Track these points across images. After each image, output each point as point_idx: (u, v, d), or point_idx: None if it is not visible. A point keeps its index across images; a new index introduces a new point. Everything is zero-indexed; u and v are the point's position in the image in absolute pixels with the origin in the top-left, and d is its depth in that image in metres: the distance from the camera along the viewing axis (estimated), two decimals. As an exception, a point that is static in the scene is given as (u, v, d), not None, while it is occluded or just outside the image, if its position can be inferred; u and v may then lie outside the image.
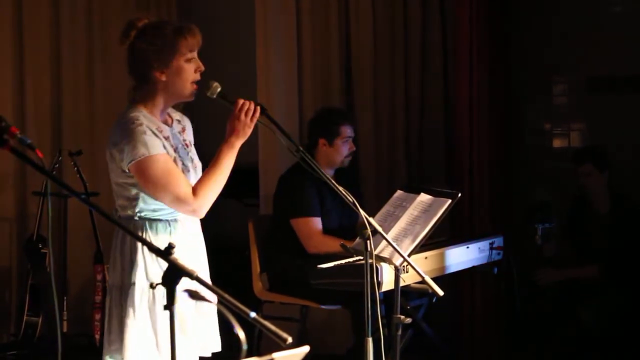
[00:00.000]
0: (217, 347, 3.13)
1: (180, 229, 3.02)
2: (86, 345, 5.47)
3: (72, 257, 5.61)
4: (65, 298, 5.40)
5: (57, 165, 5.38)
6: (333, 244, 4.37)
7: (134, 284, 2.91)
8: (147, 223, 2.96)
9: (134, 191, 2.94)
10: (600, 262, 4.82)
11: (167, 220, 2.98)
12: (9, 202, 5.78)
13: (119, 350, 2.94)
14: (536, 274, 4.93)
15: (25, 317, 5.39)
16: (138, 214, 2.95)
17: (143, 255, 2.92)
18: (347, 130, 4.75)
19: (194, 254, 3.07)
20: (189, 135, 3.17)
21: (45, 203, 5.39)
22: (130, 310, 2.91)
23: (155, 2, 6.08)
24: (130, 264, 2.94)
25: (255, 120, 2.98)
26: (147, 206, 2.95)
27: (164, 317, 2.91)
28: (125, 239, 2.97)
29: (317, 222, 4.62)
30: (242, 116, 2.97)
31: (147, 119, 2.94)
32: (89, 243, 5.57)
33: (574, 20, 5.65)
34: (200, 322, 3.05)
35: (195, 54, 2.99)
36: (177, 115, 3.14)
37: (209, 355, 3.11)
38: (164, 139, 2.95)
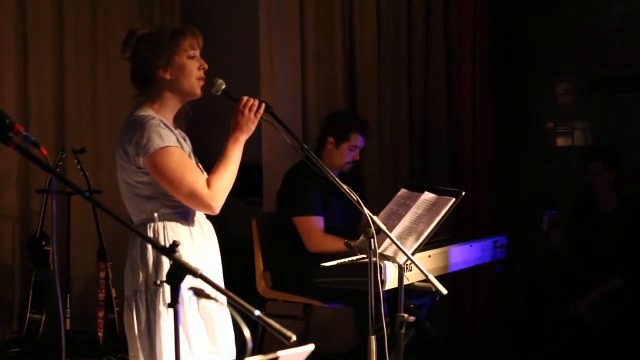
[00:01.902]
0: (233, 354, 3.09)
1: (199, 228, 3.01)
2: (89, 342, 5.48)
3: (75, 255, 5.61)
4: (68, 295, 5.40)
5: (60, 163, 5.38)
6: (334, 243, 4.39)
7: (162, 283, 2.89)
8: (167, 222, 2.93)
9: (150, 190, 2.91)
10: (621, 271, 4.81)
11: (186, 219, 2.97)
12: (12, 200, 5.78)
13: (151, 356, 2.90)
14: (573, 306, 4.91)
15: (28, 315, 5.40)
16: (157, 214, 2.92)
17: None
18: (357, 139, 4.74)
19: (211, 253, 3.08)
20: (190, 147, 3.16)
21: (48, 200, 5.40)
22: (163, 310, 2.86)
23: (159, 1, 6.09)
24: (154, 267, 2.89)
25: (258, 116, 2.99)
26: (164, 204, 2.92)
27: (194, 316, 2.92)
28: (145, 245, 2.90)
29: (318, 221, 4.62)
30: (246, 111, 2.97)
31: (157, 116, 2.94)
32: (92, 241, 5.58)
33: (578, 19, 5.65)
34: (224, 323, 3.04)
35: (197, 53, 3.00)
36: (177, 129, 3.14)
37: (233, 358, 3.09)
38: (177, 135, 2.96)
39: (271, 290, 4.81)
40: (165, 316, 2.87)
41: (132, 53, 3.01)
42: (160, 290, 2.87)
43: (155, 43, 2.97)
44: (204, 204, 2.91)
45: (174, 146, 2.89)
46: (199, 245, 2.99)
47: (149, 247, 2.90)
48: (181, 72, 2.97)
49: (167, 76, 2.97)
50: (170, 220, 2.94)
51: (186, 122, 3.35)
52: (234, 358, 3.07)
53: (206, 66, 3.01)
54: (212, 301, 2.86)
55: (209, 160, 3.08)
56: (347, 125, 4.75)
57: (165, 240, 2.90)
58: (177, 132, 3.02)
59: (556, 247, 5.03)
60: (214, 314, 2.98)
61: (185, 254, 2.77)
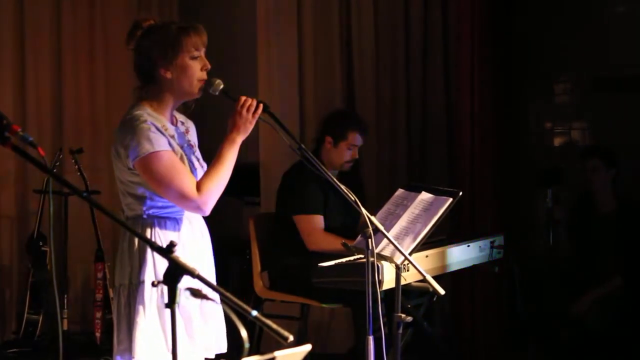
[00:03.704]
0: (223, 349, 3.10)
1: (188, 227, 3.01)
2: (86, 342, 5.48)
3: (73, 255, 5.60)
4: (65, 296, 5.40)
5: (58, 163, 5.38)
6: (334, 242, 4.37)
7: (142, 282, 2.89)
8: (155, 221, 2.94)
9: (140, 190, 2.92)
10: (621, 271, 4.81)
11: (175, 218, 2.98)
12: (9, 200, 5.78)
13: (127, 350, 2.92)
14: (574, 306, 4.91)
15: (25, 315, 5.40)
16: (146, 212, 2.93)
17: (152, 254, 2.90)
18: (355, 138, 4.72)
19: (201, 252, 3.08)
20: (193, 137, 3.16)
21: (45, 201, 5.39)
22: (140, 309, 2.88)
23: (157, 1, 6.08)
24: (139, 263, 2.92)
25: (256, 116, 2.98)
26: (154, 203, 2.93)
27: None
28: (133, 239, 2.94)
29: (319, 220, 4.61)
30: (244, 112, 2.96)
31: (152, 117, 2.93)
32: (90, 241, 5.57)
33: (578, 19, 5.65)
34: (205, 323, 3.04)
35: (201, 53, 2.99)
36: (181, 117, 3.14)
37: (213, 356, 3.09)
38: (169, 137, 2.95)
39: (269, 291, 4.80)
40: (142, 314, 2.89)
41: (136, 46, 3.00)
42: (141, 286, 2.89)
43: (158, 41, 2.95)
44: (193, 207, 2.92)
45: (163, 150, 2.89)
46: (188, 244, 2.99)
47: (136, 241, 2.93)
48: (183, 73, 2.96)
49: (169, 75, 2.96)
50: (160, 219, 2.95)
51: (188, 115, 3.35)
52: (220, 352, 3.08)
53: (209, 66, 3.00)
54: (192, 301, 2.88)
55: (208, 160, 3.09)
56: (345, 124, 4.74)
57: (153, 238, 2.92)
58: (173, 127, 3.02)
59: (556, 244, 5.03)
60: (194, 314, 2.98)
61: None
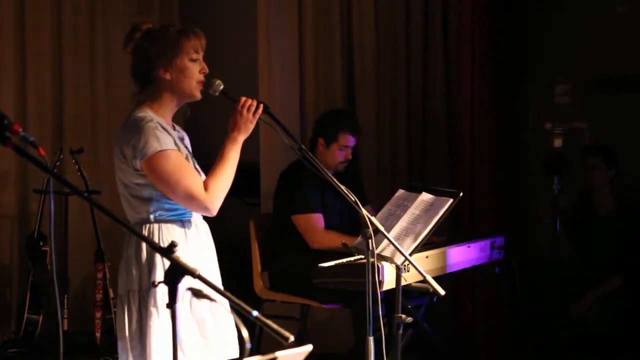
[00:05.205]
0: (235, 354, 3.08)
1: (195, 229, 3.01)
2: (86, 343, 5.47)
3: (73, 255, 5.60)
4: (65, 296, 5.39)
5: (58, 163, 5.38)
6: (336, 239, 4.35)
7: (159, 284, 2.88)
8: (163, 224, 2.93)
9: (146, 192, 2.91)
10: (621, 272, 4.81)
11: (182, 221, 2.97)
12: (10, 200, 5.77)
13: (141, 356, 2.90)
14: (574, 306, 4.90)
15: (25, 315, 5.39)
16: (153, 215, 2.92)
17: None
18: (347, 139, 4.71)
19: (209, 254, 3.08)
20: (189, 145, 3.16)
21: (46, 201, 5.39)
22: (154, 311, 2.87)
23: (158, 2, 6.08)
24: (148, 267, 2.90)
25: (257, 116, 2.98)
26: (161, 206, 2.92)
27: (186, 318, 2.91)
28: (140, 244, 2.92)
29: (318, 218, 4.61)
30: (245, 112, 2.97)
31: (155, 118, 2.93)
32: (90, 241, 5.57)
33: (578, 19, 5.65)
34: (216, 326, 3.02)
35: (199, 56, 2.99)
36: (176, 125, 3.14)
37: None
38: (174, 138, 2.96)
39: (269, 291, 4.81)
40: (156, 317, 2.87)
41: (134, 49, 3.00)
42: (153, 290, 2.86)
43: (158, 42, 2.96)
44: (201, 207, 2.91)
45: (171, 149, 2.88)
46: (194, 247, 2.99)
47: (144, 246, 2.91)
48: (182, 74, 2.96)
49: (168, 77, 2.96)
50: (166, 221, 2.94)
51: (184, 121, 3.34)
52: (232, 357, 3.07)
53: (207, 70, 3.00)
54: (204, 302, 2.86)
55: (207, 160, 3.08)
56: (335, 126, 4.73)
57: (160, 241, 2.90)
58: (175, 132, 3.02)
59: (562, 233, 5.04)
60: (207, 315, 2.98)
61: (180, 256, 2.78)
